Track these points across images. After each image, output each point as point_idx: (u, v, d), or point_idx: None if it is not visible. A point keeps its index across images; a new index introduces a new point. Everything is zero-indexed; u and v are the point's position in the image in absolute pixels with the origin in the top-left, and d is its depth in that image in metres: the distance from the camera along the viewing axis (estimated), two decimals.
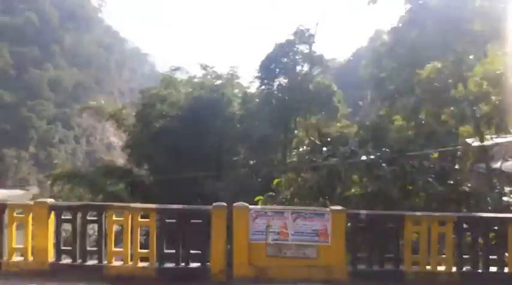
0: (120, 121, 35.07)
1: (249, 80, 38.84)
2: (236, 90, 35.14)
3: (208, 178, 28.40)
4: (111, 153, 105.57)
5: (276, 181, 12.55)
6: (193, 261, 5.84)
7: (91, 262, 5.70)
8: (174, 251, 5.74)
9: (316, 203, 9.91)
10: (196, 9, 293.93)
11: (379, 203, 8.95)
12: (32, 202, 5.85)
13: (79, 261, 5.62)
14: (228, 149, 32.17)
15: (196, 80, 37.20)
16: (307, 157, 12.58)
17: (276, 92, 31.55)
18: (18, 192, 77.20)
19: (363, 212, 6.15)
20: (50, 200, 5.88)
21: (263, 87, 33.43)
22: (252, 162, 31.51)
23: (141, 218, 5.77)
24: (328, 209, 5.98)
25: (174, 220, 5.78)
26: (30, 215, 5.63)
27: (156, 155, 29.31)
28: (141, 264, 5.62)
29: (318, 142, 13.03)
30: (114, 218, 5.66)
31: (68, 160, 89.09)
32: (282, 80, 31.88)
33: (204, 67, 37.05)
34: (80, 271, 5.55)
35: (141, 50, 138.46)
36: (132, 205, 6.41)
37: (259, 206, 7.55)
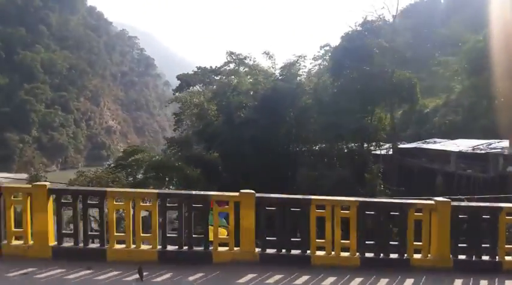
0: (204, 111, 35.20)
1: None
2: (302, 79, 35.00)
3: (282, 167, 28.87)
4: (111, 137, 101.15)
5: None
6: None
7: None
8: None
9: None
10: None
11: None
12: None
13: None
14: (304, 139, 32.17)
15: (265, 69, 37.58)
16: None
17: (352, 83, 30.74)
18: (23, 176, 72.41)
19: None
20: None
21: (332, 78, 32.78)
22: (331, 152, 31.32)
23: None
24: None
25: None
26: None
27: (234, 144, 29.39)
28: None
29: None
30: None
31: (69, 144, 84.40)
32: (358, 71, 31.43)
33: (270, 56, 37.22)
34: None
35: (128, 33, 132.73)
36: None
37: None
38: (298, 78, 35.23)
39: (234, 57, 38.20)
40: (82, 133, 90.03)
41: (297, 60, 35.35)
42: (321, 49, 53.43)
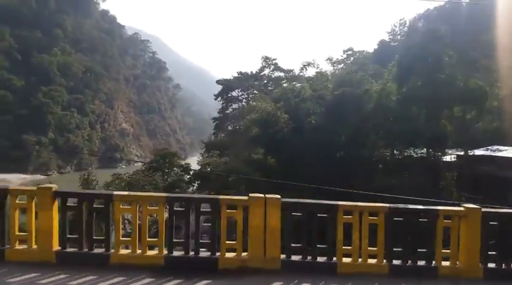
0: (276, 118, 34.80)
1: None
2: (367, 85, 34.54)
3: (351, 175, 27.79)
4: (124, 139, 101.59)
5: None
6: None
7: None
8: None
9: None
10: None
11: None
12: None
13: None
14: (372, 146, 31.53)
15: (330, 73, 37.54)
16: None
17: (420, 90, 29.81)
18: (39, 177, 72.95)
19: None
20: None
21: (398, 84, 31.93)
22: (403, 159, 30.60)
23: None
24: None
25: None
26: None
27: (301, 151, 29.11)
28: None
29: None
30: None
31: (84, 146, 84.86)
32: (427, 78, 31.06)
33: (333, 63, 37.04)
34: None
35: (141, 36, 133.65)
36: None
37: None
38: (372, 84, 34.84)
39: (268, 62, 38.09)
40: (97, 135, 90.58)
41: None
42: (344, 53, 53.97)
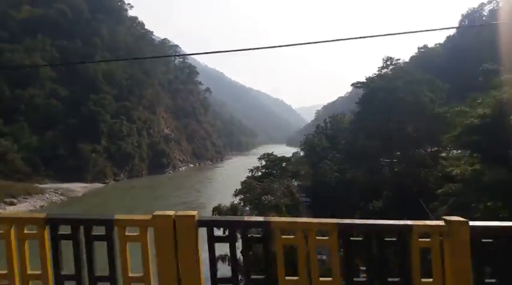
0: None
1: None
2: None
3: None
4: (168, 145, 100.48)
5: None
6: None
7: None
8: None
9: None
10: None
11: None
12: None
13: None
14: None
15: None
16: None
17: None
18: (98, 185, 71.86)
19: None
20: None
21: None
22: None
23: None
24: None
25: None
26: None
27: None
28: None
29: None
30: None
31: (135, 153, 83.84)
32: None
33: None
34: None
35: (170, 42, 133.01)
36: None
37: None
38: None
39: (389, 63, 36.62)
40: (144, 141, 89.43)
41: None
42: (418, 50, 52.60)
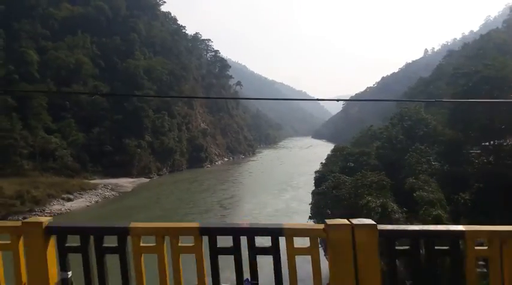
0: None
1: None
2: None
3: None
4: (205, 139, 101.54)
5: None
6: None
7: None
8: None
9: None
10: None
11: None
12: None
13: None
14: None
15: None
16: None
17: None
18: (144, 180, 73.33)
19: None
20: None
21: None
22: None
23: None
24: None
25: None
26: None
27: None
28: None
29: None
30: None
31: (177, 147, 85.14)
32: None
33: None
34: None
35: (202, 36, 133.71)
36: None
37: None
38: None
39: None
40: (184, 136, 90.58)
41: None
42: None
